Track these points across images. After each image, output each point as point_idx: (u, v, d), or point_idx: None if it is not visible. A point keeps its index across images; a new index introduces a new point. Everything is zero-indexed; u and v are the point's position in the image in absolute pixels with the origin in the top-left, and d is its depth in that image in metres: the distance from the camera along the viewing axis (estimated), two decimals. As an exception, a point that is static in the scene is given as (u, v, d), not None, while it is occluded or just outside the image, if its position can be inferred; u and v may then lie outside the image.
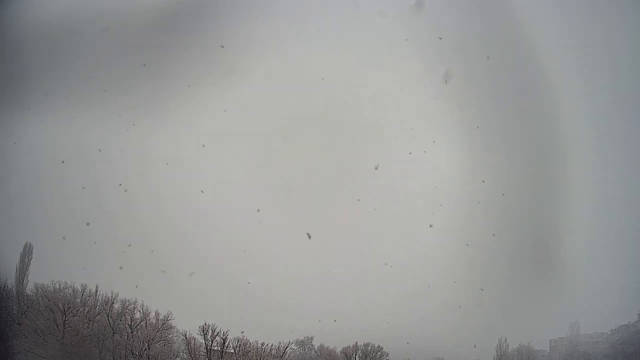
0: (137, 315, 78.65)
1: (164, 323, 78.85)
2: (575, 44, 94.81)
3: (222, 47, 77.42)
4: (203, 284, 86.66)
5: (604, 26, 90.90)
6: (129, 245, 79.34)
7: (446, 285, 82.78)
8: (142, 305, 78.75)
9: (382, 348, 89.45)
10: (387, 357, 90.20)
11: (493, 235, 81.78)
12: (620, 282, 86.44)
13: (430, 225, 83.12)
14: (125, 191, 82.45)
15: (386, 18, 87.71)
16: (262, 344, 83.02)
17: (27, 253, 79.56)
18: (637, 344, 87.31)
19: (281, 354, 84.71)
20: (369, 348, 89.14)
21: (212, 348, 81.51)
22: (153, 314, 78.69)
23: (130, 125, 79.56)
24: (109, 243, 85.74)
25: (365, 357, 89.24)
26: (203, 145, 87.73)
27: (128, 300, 78.28)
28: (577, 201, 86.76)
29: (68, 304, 73.86)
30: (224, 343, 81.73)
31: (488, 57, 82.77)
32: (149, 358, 75.71)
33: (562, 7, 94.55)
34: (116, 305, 77.96)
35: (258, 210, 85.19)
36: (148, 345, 75.92)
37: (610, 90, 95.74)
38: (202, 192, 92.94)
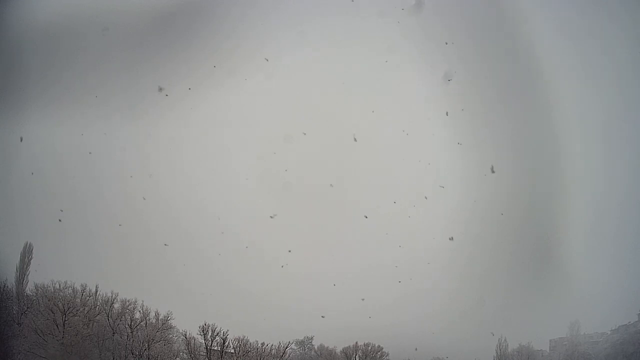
0: (137, 315, 78.65)
1: (164, 323, 78.78)
2: (576, 43, 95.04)
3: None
4: (203, 284, 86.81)
5: (605, 25, 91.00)
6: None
7: (446, 285, 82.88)
8: (142, 305, 78.79)
9: (382, 348, 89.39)
10: (387, 357, 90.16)
11: (493, 235, 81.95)
12: (620, 282, 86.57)
13: (430, 226, 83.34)
14: (127, 190, 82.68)
15: (386, 18, 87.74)
16: (262, 344, 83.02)
17: (27, 253, 79.55)
18: (637, 344, 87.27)
19: (281, 354, 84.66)
20: (369, 348, 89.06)
21: (212, 348, 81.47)
22: (153, 314, 78.73)
23: (131, 125, 79.70)
24: (109, 243, 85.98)
25: (365, 357, 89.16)
26: (203, 145, 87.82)
27: (128, 300, 78.31)
28: (577, 201, 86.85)
29: (68, 304, 73.68)
30: (224, 343, 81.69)
31: (488, 57, 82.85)
32: (149, 358, 75.64)
33: (563, 6, 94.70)
34: (116, 305, 77.91)
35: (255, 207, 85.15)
36: (148, 345, 75.85)
37: (611, 90, 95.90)
38: (203, 192, 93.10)
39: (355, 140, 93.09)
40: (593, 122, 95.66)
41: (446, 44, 77.93)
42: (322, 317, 77.78)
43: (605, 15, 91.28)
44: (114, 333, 75.73)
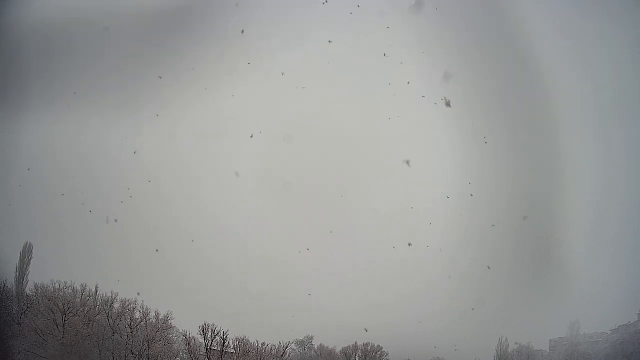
0: (137, 315, 78.64)
1: (164, 323, 78.78)
2: (575, 43, 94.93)
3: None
4: (203, 284, 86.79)
5: (605, 25, 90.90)
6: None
7: (446, 285, 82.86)
8: (142, 305, 78.78)
9: (382, 348, 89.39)
10: (387, 357, 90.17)
11: (493, 235, 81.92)
12: (620, 282, 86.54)
13: (430, 224, 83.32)
14: (128, 190, 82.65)
15: (386, 18, 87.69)
16: (263, 344, 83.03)
17: (27, 253, 79.58)
18: (637, 344, 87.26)
19: (281, 354, 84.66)
20: (369, 348, 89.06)
21: (212, 348, 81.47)
22: (153, 314, 78.73)
23: (132, 125, 79.72)
24: (109, 243, 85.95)
25: (365, 357, 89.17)
26: (203, 144, 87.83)
27: (128, 300, 78.29)
28: (577, 201, 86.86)
29: (68, 304, 73.62)
30: (224, 343, 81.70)
31: (488, 56, 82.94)
32: (149, 358, 75.63)
33: (563, 5, 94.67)
34: (116, 305, 77.91)
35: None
36: (148, 345, 75.83)
37: (611, 89, 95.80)
38: (203, 192, 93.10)
39: (355, 140, 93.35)
40: (593, 122, 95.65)
41: (445, 39, 78.03)
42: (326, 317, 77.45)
43: (605, 15, 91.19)
44: (114, 333, 75.71)
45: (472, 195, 79.69)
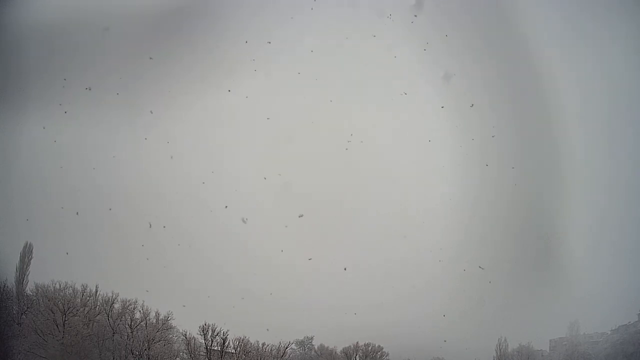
0: (137, 315, 78.66)
1: (164, 323, 78.80)
2: (577, 43, 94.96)
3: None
4: (203, 283, 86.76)
5: (606, 24, 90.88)
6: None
7: (446, 285, 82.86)
8: (142, 305, 78.79)
9: (382, 348, 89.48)
10: (387, 357, 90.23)
11: (493, 235, 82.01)
12: (620, 282, 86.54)
13: (430, 224, 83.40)
14: (127, 191, 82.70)
15: (386, 18, 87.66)
16: (263, 344, 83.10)
17: (27, 253, 79.54)
18: (637, 344, 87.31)
19: (281, 354, 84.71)
20: (370, 348, 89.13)
21: (212, 348, 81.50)
22: (153, 314, 78.74)
23: (132, 126, 79.68)
24: (109, 243, 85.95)
25: (366, 357, 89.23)
26: (203, 145, 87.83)
27: (128, 300, 78.31)
28: (578, 201, 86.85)
29: (68, 304, 73.67)
30: (224, 343, 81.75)
31: (488, 56, 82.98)
32: (149, 358, 75.66)
33: (563, 5, 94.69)
34: (116, 305, 77.92)
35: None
36: (148, 345, 75.86)
37: (611, 89, 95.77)
38: (203, 192, 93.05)
39: (355, 140, 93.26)
40: (594, 122, 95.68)
41: (446, 36, 78.22)
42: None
43: (605, 15, 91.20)
44: (114, 333, 75.75)
45: (473, 195, 79.72)
